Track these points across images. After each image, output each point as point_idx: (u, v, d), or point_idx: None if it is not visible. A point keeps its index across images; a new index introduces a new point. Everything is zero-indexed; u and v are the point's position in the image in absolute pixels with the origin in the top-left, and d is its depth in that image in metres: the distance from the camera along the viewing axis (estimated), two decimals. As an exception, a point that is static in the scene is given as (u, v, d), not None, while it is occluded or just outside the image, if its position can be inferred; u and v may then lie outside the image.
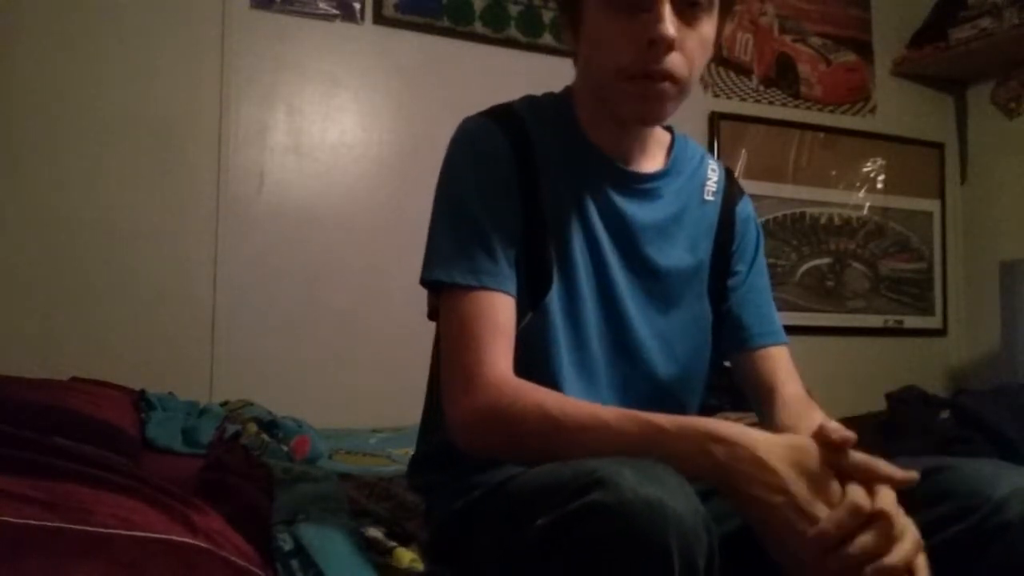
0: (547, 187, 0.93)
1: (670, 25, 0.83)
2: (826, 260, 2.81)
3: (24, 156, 1.91)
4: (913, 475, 0.69)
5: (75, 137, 1.95)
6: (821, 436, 0.69)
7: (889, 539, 0.65)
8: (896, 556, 0.64)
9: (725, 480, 0.68)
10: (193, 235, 2.04)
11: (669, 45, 0.84)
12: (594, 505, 0.61)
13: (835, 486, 0.67)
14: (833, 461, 0.69)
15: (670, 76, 0.86)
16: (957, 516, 0.72)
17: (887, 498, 0.67)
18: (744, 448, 0.68)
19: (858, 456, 0.69)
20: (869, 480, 0.68)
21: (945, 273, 2.98)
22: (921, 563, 0.66)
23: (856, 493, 0.66)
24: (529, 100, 1.00)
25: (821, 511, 0.66)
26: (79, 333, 1.92)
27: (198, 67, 2.06)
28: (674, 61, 0.86)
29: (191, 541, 0.80)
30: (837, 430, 0.69)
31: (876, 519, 0.65)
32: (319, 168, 2.18)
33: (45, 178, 1.92)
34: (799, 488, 0.67)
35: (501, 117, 0.95)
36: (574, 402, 0.81)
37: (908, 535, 0.66)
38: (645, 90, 0.87)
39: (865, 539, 0.64)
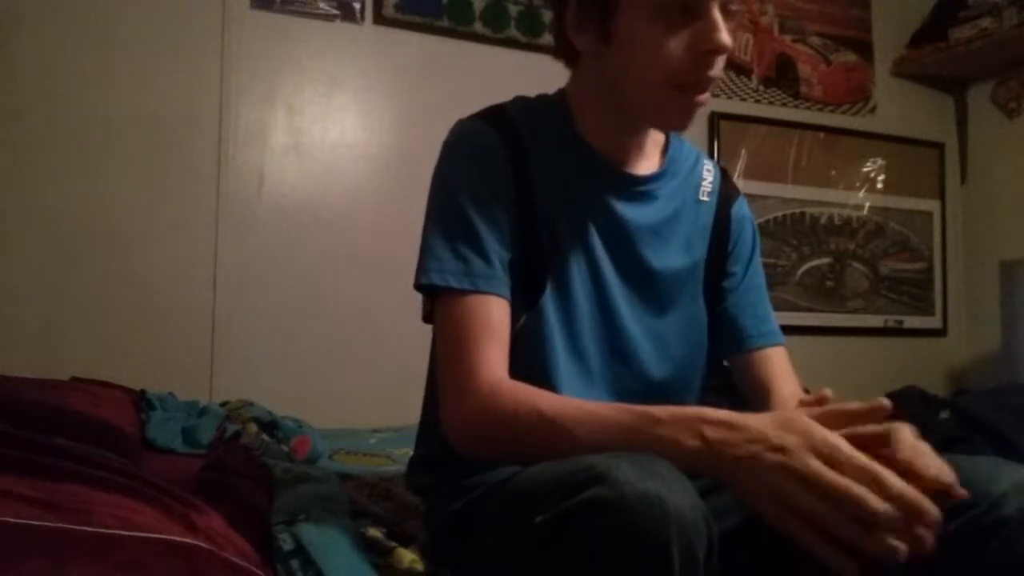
0: (541, 188, 0.93)
1: (727, 33, 0.84)
2: (826, 260, 2.81)
3: (24, 156, 1.91)
4: (884, 403, 0.71)
5: (75, 137, 1.95)
6: (802, 404, 0.74)
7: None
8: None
9: (717, 457, 0.69)
10: (193, 235, 2.04)
11: (725, 54, 0.85)
12: (593, 501, 0.61)
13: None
14: (813, 415, 0.71)
15: (712, 83, 0.87)
16: (956, 512, 0.72)
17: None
18: (731, 423, 0.69)
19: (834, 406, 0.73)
20: (849, 417, 0.71)
21: (945, 273, 2.98)
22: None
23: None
24: (521, 101, 0.99)
25: (792, 442, 0.66)
26: (79, 333, 1.92)
27: (198, 67, 2.06)
28: (719, 67, 0.87)
29: (191, 541, 0.79)
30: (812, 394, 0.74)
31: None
32: (319, 168, 2.18)
33: (45, 178, 1.92)
34: (776, 433, 0.67)
35: (494, 119, 0.95)
36: (568, 400, 0.81)
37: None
38: (691, 100, 0.87)
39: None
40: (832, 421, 0.69)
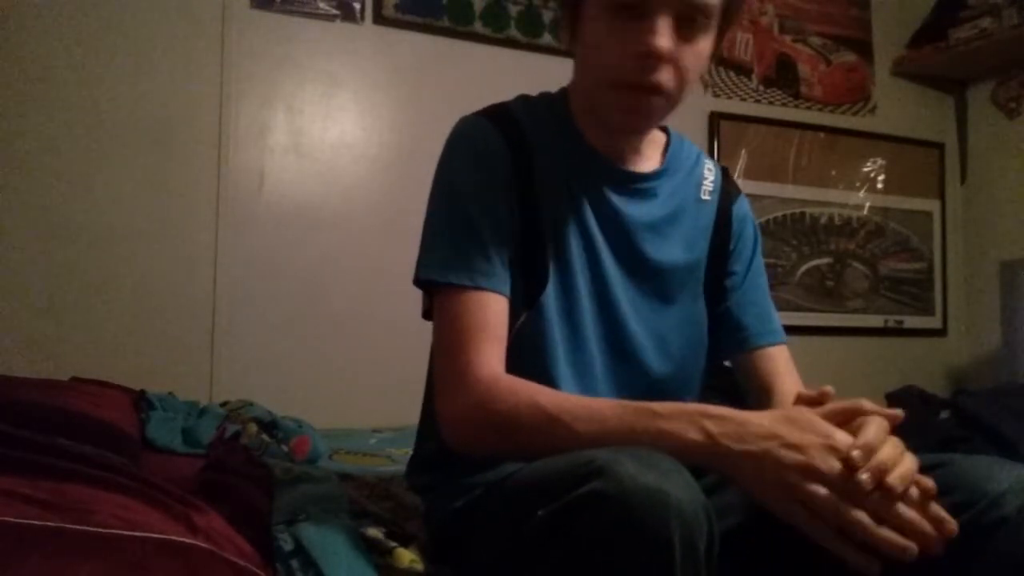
0: (542, 185, 0.93)
1: (665, 38, 0.83)
2: (826, 260, 2.81)
3: (24, 156, 1.91)
4: (899, 413, 0.73)
5: (75, 137, 1.95)
6: (802, 399, 0.75)
7: (902, 451, 0.68)
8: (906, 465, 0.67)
9: (717, 449, 0.69)
10: (193, 235, 2.04)
11: (660, 58, 0.84)
12: (594, 494, 0.62)
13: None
14: (820, 412, 0.72)
15: (658, 89, 0.85)
16: (955, 511, 0.72)
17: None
18: (734, 418, 0.71)
19: (842, 403, 0.74)
20: (861, 415, 0.72)
21: (945, 273, 2.98)
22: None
23: (869, 430, 0.68)
24: (524, 100, 1.00)
25: (810, 441, 0.68)
26: (79, 333, 1.92)
27: (198, 67, 2.06)
28: (664, 75, 0.85)
29: (191, 541, 0.79)
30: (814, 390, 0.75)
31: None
32: (319, 168, 2.18)
33: (45, 178, 1.92)
34: (788, 430, 0.69)
35: (497, 116, 0.95)
36: (567, 396, 0.81)
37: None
38: (633, 101, 0.87)
39: (881, 458, 0.66)
40: (839, 418, 0.71)
